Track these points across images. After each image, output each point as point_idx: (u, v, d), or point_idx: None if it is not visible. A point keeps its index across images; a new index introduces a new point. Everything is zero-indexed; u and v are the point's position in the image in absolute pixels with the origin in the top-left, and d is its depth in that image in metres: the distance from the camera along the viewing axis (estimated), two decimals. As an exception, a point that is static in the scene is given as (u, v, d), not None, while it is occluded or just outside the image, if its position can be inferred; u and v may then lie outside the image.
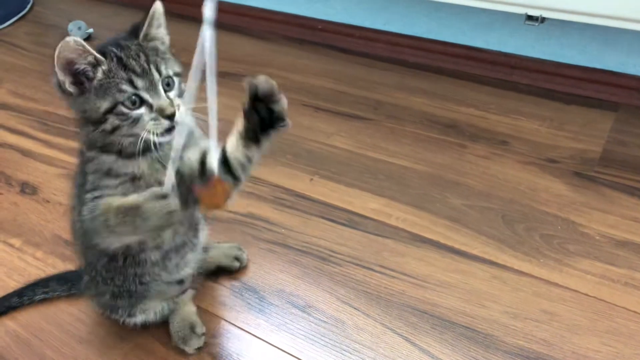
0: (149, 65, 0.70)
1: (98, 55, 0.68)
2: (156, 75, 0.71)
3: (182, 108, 0.71)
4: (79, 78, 0.69)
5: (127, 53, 0.70)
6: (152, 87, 0.70)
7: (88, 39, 1.85)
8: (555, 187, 1.16)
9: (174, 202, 0.68)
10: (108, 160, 0.73)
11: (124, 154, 0.72)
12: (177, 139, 0.69)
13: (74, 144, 1.34)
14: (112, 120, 0.69)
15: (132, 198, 0.70)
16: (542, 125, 1.34)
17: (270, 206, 1.14)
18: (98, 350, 0.89)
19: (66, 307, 0.96)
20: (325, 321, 0.92)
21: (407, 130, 1.35)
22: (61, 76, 0.68)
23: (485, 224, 1.08)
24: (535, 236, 1.05)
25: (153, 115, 0.70)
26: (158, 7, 0.75)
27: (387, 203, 1.14)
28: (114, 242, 0.76)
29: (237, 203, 1.14)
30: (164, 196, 0.68)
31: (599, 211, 1.10)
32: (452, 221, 1.09)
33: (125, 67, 0.69)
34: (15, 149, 1.36)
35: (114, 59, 0.69)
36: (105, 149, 0.73)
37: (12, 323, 0.94)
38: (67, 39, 0.66)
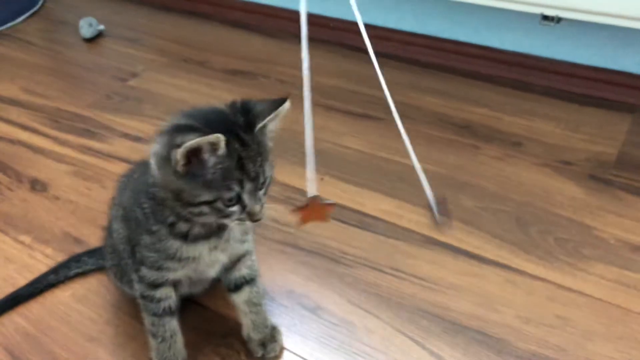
0: (260, 169, 0.68)
1: (223, 151, 0.64)
2: (261, 179, 0.69)
3: (264, 207, 0.71)
4: (194, 163, 0.64)
5: (248, 154, 0.66)
6: (253, 191, 0.68)
7: (99, 35, 1.85)
8: (570, 190, 1.14)
9: None
10: (175, 245, 0.73)
11: (191, 238, 0.73)
12: None
13: (84, 142, 1.36)
14: (203, 209, 0.67)
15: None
16: (557, 127, 1.32)
17: (281, 206, 1.13)
18: (107, 348, 0.88)
19: (76, 305, 0.96)
20: (335, 323, 0.91)
21: (420, 131, 1.34)
22: (180, 158, 0.63)
23: (498, 227, 1.06)
24: (549, 239, 1.03)
25: (242, 216, 0.69)
26: (287, 106, 0.71)
27: (398, 204, 1.12)
28: None
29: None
30: None
31: (614, 215, 1.08)
32: (465, 223, 1.07)
33: (242, 168, 0.66)
34: (26, 145, 1.36)
35: (235, 157, 0.65)
36: (174, 230, 0.72)
37: (22, 320, 0.93)
38: (220, 137, 0.62)
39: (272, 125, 0.71)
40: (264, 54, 1.71)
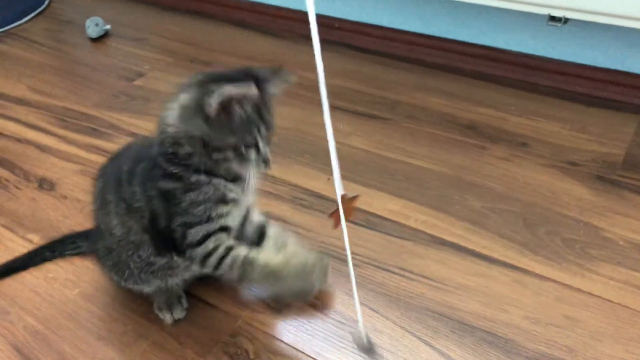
0: (272, 118, 0.78)
1: (255, 93, 0.74)
2: (273, 127, 0.79)
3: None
4: (224, 109, 0.73)
5: (267, 104, 0.77)
6: (267, 139, 0.78)
7: (105, 35, 1.86)
8: (577, 191, 1.14)
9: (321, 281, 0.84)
10: (221, 183, 0.79)
11: (229, 178, 0.80)
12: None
13: (91, 140, 1.36)
14: (228, 154, 0.76)
15: (278, 260, 0.83)
16: (564, 128, 1.32)
17: (289, 206, 1.14)
18: (116, 347, 0.89)
19: (84, 303, 0.96)
20: (343, 322, 0.91)
21: (426, 131, 1.34)
22: (214, 102, 0.71)
23: (505, 227, 1.06)
24: (556, 240, 1.03)
25: (259, 160, 0.78)
26: (288, 74, 0.82)
27: (405, 204, 1.13)
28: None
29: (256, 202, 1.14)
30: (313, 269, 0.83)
31: (622, 215, 1.08)
32: (472, 223, 1.07)
33: (261, 116, 0.76)
34: (33, 144, 1.37)
35: (256, 107, 0.75)
36: (212, 172, 0.78)
37: (30, 318, 0.94)
38: (253, 88, 0.73)
39: (274, 88, 0.80)
40: (269, 54, 1.71)
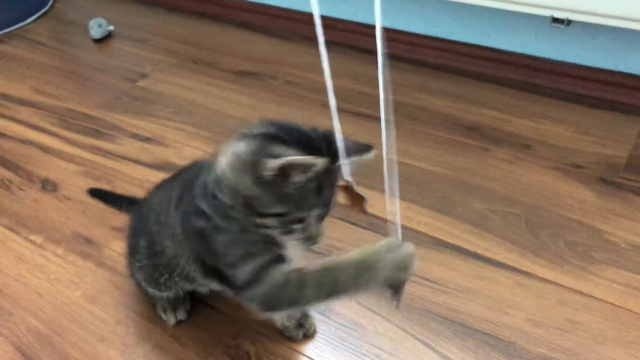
0: (333, 199, 0.69)
1: (320, 169, 0.63)
2: (330, 208, 0.70)
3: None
4: (281, 175, 0.64)
5: (328, 182, 0.67)
6: (320, 218, 0.69)
7: (108, 36, 1.86)
8: (580, 193, 1.14)
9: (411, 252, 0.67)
10: (249, 222, 0.69)
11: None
12: None
13: (94, 142, 1.36)
14: (269, 222, 0.67)
15: (361, 252, 0.67)
16: (567, 130, 1.32)
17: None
18: (118, 349, 0.89)
19: (87, 305, 0.96)
20: (345, 325, 0.91)
21: (429, 133, 1.34)
22: (275, 169, 0.63)
23: (508, 229, 1.06)
24: (559, 243, 1.03)
25: (303, 236, 0.70)
26: (371, 156, 0.72)
27: (408, 206, 1.12)
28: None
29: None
30: (398, 247, 0.67)
31: (625, 218, 1.07)
32: (475, 226, 1.07)
33: (319, 194, 0.66)
34: (36, 145, 1.37)
35: (316, 181, 0.65)
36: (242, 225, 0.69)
37: (33, 320, 0.94)
38: (321, 162, 0.63)
39: (348, 167, 0.70)
40: (272, 55, 1.71)
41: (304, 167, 0.63)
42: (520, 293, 0.95)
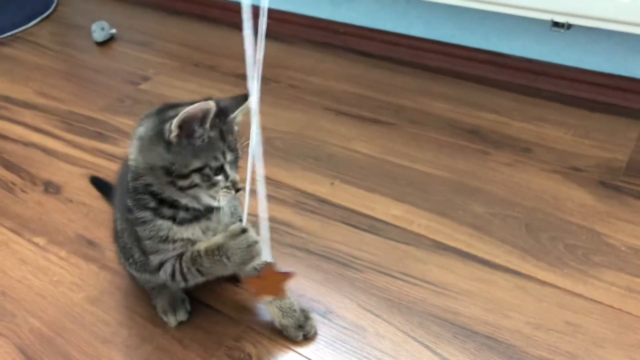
0: (236, 144, 0.78)
1: (210, 122, 0.73)
2: (239, 153, 0.78)
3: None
4: (185, 133, 0.73)
5: (228, 128, 0.76)
6: (233, 163, 0.77)
7: (111, 39, 1.87)
8: (580, 196, 1.14)
9: (253, 235, 0.77)
10: (164, 226, 0.79)
11: (179, 220, 0.79)
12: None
13: (96, 144, 1.37)
14: (195, 179, 0.75)
15: (216, 239, 0.79)
16: (567, 133, 1.32)
17: (292, 210, 1.14)
18: (120, 350, 0.89)
19: (89, 306, 0.97)
20: (346, 327, 0.91)
21: (429, 136, 1.34)
22: (175, 128, 0.71)
23: (508, 233, 1.07)
24: (559, 246, 1.04)
25: (228, 184, 0.77)
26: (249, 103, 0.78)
27: (408, 209, 1.13)
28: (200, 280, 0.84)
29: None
30: (243, 230, 0.77)
31: (625, 222, 1.08)
32: (475, 229, 1.08)
33: (224, 139, 0.75)
34: (39, 148, 1.38)
35: (218, 129, 0.75)
36: (159, 212, 0.78)
37: (36, 321, 0.95)
38: (211, 103, 0.71)
39: (239, 117, 0.79)
40: (274, 58, 1.72)
41: (202, 114, 0.71)
42: (520, 296, 0.95)
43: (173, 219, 0.79)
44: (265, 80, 1.70)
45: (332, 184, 1.21)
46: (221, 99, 0.78)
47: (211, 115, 0.72)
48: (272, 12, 2.15)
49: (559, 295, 0.95)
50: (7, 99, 1.59)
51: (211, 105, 0.71)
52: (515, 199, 1.14)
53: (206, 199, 0.78)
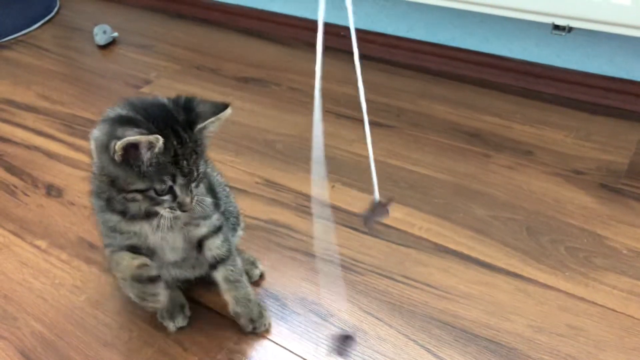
0: (194, 166, 0.73)
1: (160, 145, 0.68)
2: (194, 175, 0.74)
3: (195, 199, 0.76)
4: (131, 156, 0.69)
5: (184, 151, 0.71)
6: (185, 185, 0.74)
7: (113, 42, 1.88)
8: (581, 199, 1.14)
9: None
10: (113, 219, 0.79)
11: (128, 216, 0.78)
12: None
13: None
14: (135, 196, 0.73)
15: (124, 264, 0.78)
16: (568, 136, 1.32)
17: (293, 213, 1.15)
18: (122, 354, 0.90)
19: (90, 309, 0.97)
20: (347, 330, 0.91)
21: (430, 139, 1.34)
22: (118, 149, 0.67)
23: (509, 235, 1.07)
24: (560, 249, 1.04)
25: (174, 204, 0.74)
26: (229, 113, 0.75)
27: (409, 212, 1.13)
28: None
29: (260, 210, 1.15)
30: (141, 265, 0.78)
31: (626, 224, 1.08)
32: (476, 232, 1.08)
33: (176, 163, 0.71)
34: (41, 151, 1.38)
35: (170, 153, 0.70)
36: (110, 206, 0.78)
37: (37, 324, 0.95)
38: (159, 139, 0.67)
39: (212, 127, 0.74)
40: (276, 61, 1.72)
41: (147, 145, 0.67)
42: (522, 299, 0.95)
43: (123, 214, 0.78)
44: (266, 83, 1.73)
45: (332, 186, 1.21)
46: (199, 102, 0.75)
47: (159, 146, 0.68)
48: (272, 15, 2.15)
49: (561, 298, 0.95)
50: (10, 102, 1.59)
51: (158, 139, 0.67)
52: (516, 202, 1.14)
53: (150, 210, 0.76)
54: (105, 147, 0.70)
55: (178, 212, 0.75)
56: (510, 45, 1.52)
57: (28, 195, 1.24)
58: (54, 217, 1.18)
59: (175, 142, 0.70)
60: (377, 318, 0.93)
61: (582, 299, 0.94)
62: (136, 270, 0.78)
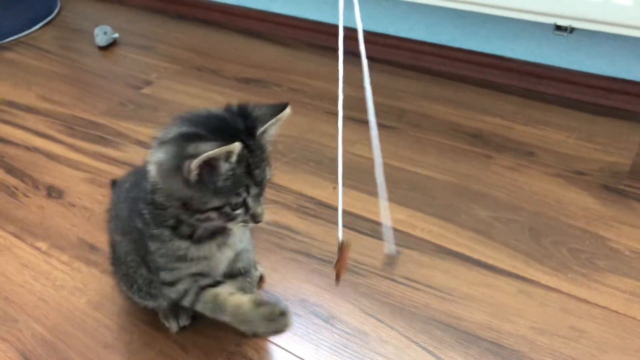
0: (264, 174, 0.71)
1: (238, 154, 0.66)
2: (265, 183, 0.72)
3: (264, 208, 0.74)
4: (206, 172, 0.66)
5: (254, 160, 0.69)
6: (257, 196, 0.71)
7: (113, 43, 1.87)
8: (583, 200, 1.14)
9: (289, 321, 0.75)
10: (182, 246, 0.75)
11: (196, 239, 0.75)
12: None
13: (99, 149, 1.37)
14: (211, 215, 0.69)
15: (247, 307, 0.75)
16: (570, 137, 1.32)
17: (294, 214, 1.14)
18: (122, 355, 0.89)
19: (91, 311, 0.97)
20: (348, 332, 0.91)
21: (432, 140, 1.34)
22: (195, 168, 0.64)
23: (511, 237, 1.06)
24: (562, 250, 1.03)
25: (247, 217, 0.72)
26: (288, 112, 0.73)
27: (411, 214, 1.13)
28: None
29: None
30: (282, 313, 0.74)
31: (629, 226, 1.07)
32: (478, 233, 1.07)
33: (249, 174, 0.69)
34: (42, 152, 1.38)
35: (244, 163, 0.68)
36: (178, 232, 0.74)
37: (38, 326, 0.95)
38: (237, 145, 0.64)
39: (272, 130, 0.72)
40: (276, 62, 1.72)
41: (225, 156, 0.65)
42: (524, 301, 0.95)
43: (190, 237, 0.75)
44: (266, 84, 1.72)
45: (334, 188, 1.21)
46: (254, 107, 0.72)
47: (235, 155, 0.65)
48: (273, 16, 2.15)
49: (563, 300, 0.94)
50: (10, 104, 1.59)
51: (236, 147, 0.64)
52: (518, 203, 1.14)
53: (222, 225, 0.74)
54: (175, 170, 0.66)
55: (251, 224, 0.73)
56: (512, 45, 1.52)
57: (28, 197, 1.24)
58: (55, 219, 1.17)
59: (246, 152, 0.67)
60: (378, 320, 0.93)
61: (584, 300, 0.94)
62: (259, 308, 0.75)
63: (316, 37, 1.80)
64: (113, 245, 0.91)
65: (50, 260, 1.08)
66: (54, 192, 1.25)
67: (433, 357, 0.87)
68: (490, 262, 1.02)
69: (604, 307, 0.93)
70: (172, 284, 0.80)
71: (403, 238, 1.07)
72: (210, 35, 1.91)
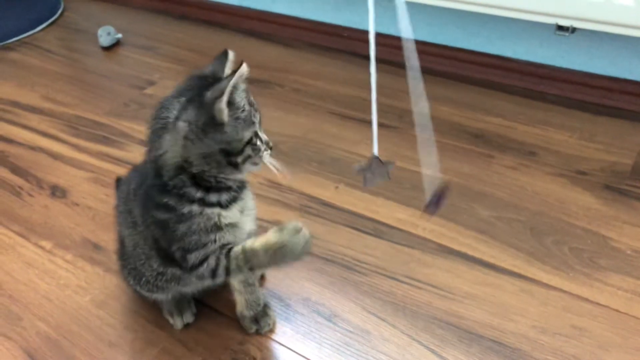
0: (254, 101, 0.77)
1: (246, 70, 0.73)
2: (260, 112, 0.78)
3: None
4: (232, 107, 0.72)
5: (248, 92, 0.75)
6: (260, 122, 0.77)
7: (117, 44, 1.88)
8: (585, 200, 1.14)
9: (308, 232, 0.77)
10: (214, 212, 0.77)
11: (224, 203, 0.78)
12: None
13: (102, 148, 1.38)
14: (248, 151, 0.75)
15: (273, 238, 0.77)
16: (572, 137, 1.32)
17: (297, 214, 1.15)
18: (126, 353, 0.90)
19: (95, 310, 0.97)
20: (351, 331, 0.91)
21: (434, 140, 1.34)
22: (224, 105, 0.71)
23: (513, 236, 1.07)
24: (564, 249, 1.03)
25: (263, 146, 0.77)
26: (245, 69, 0.75)
27: (413, 213, 1.13)
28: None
29: (264, 210, 1.15)
30: (301, 229, 0.77)
31: (630, 225, 1.08)
32: (480, 232, 1.08)
33: (250, 103, 0.75)
34: (46, 152, 1.39)
35: (247, 98, 0.75)
36: (206, 200, 0.77)
37: (42, 324, 0.95)
38: (244, 65, 0.72)
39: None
40: (278, 62, 1.72)
41: (240, 79, 0.72)
42: (526, 300, 0.95)
43: (219, 204, 0.78)
44: (269, 84, 1.73)
45: (336, 187, 1.21)
46: (208, 67, 0.79)
47: (244, 76, 0.73)
48: (275, 16, 2.15)
49: (565, 299, 0.94)
50: (14, 104, 1.60)
51: (244, 67, 0.72)
52: (520, 203, 1.14)
53: (251, 169, 0.78)
54: (209, 122, 0.71)
55: (269, 152, 0.78)
56: (513, 46, 1.52)
57: (33, 196, 1.25)
58: (59, 218, 1.18)
59: (242, 85, 0.74)
60: (380, 318, 0.93)
61: (586, 299, 0.94)
62: (283, 231, 0.78)
63: (318, 37, 1.80)
64: (122, 240, 0.92)
65: (54, 259, 1.08)
66: (58, 192, 1.26)
67: (435, 356, 0.87)
68: (492, 261, 1.02)
69: (605, 306, 0.93)
70: (202, 262, 0.79)
71: (405, 237, 1.08)
72: (212, 36, 1.92)
